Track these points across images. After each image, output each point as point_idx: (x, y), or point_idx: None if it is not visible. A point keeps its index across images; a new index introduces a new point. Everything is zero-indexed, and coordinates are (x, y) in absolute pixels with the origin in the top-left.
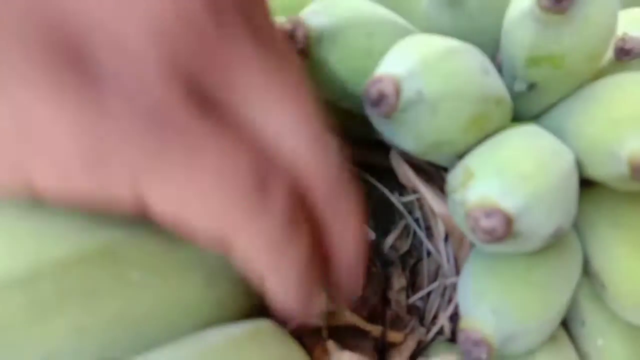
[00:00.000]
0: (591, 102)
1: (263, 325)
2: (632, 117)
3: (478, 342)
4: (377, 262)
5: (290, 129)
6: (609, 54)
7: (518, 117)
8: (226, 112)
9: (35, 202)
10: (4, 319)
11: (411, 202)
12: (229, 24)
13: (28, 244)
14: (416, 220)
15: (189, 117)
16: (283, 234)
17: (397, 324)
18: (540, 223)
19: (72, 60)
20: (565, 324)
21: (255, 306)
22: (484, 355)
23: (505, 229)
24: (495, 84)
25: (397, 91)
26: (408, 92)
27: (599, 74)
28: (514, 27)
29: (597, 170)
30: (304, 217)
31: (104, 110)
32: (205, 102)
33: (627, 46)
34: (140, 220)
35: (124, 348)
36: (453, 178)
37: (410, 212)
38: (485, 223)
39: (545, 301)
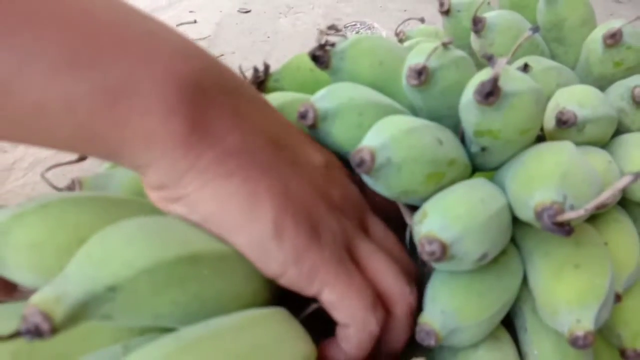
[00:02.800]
0: (520, 163)
1: (278, 311)
2: (541, 176)
3: (429, 333)
4: None
5: (388, 272)
6: (552, 123)
7: (481, 169)
8: (361, 263)
9: (156, 219)
10: (133, 291)
11: None
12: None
13: (154, 246)
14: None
15: (348, 262)
16: (376, 332)
17: None
18: (468, 250)
19: (314, 228)
20: (513, 329)
21: (277, 298)
22: (432, 343)
23: (442, 253)
24: (448, 151)
25: (373, 158)
26: (380, 158)
27: (549, 137)
28: (464, 109)
29: (520, 214)
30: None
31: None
32: (352, 256)
33: (564, 118)
34: (212, 242)
35: (194, 317)
36: (416, 216)
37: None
38: (428, 248)
39: (481, 306)
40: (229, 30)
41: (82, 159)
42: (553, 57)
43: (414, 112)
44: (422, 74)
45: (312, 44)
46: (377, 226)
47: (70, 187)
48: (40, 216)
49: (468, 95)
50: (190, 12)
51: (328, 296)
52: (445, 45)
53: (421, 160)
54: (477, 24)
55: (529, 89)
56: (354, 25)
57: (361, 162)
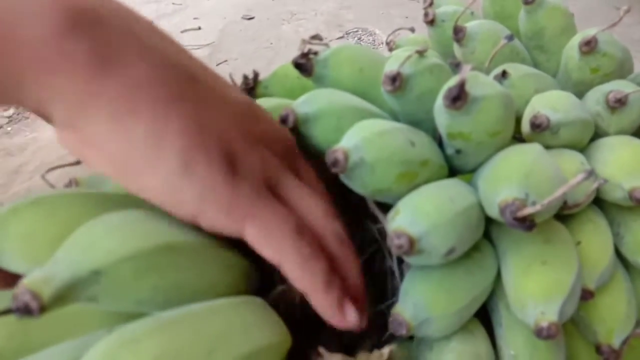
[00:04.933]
0: (491, 164)
1: (253, 299)
2: (506, 176)
3: (401, 323)
4: None
5: (314, 207)
6: (527, 127)
7: (460, 171)
8: (284, 198)
9: (149, 212)
10: (116, 276)
11: (381, 230)
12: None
13: (135, 236)
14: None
15: (270, 196)
16: (312, 253)
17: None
18: (436, 244)
19: (231, 162)
20: (490, 324)
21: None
22: (404, 332)
23: (410, 246)
24: (421, 152)
25: (346, 158)
26: (354, 158)
27: (527, 140)
28: (437, 113)
29: (489, 212)
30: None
31: (239, 185)
32: (274, 192)
33: (537, 122)
34: (194, 229)
35: (173, 304)
36: (390, 213)
37: (382, 239)
38: (397, 242)
39: (451, 299)
40: (233, 36)
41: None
42: (535, 64)
43: (394, 116)
44: (396, 80)
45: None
46: (308, 173)
47: (68, 187)
48: (33, 210)
49: (439, 100)
50: (195, 18)
51: (251, 230)
52: (420, 53)
53: (393, 160)
54: (458, 33)
55: (496, 93)
56: (356, 31)
57: (335, 162)
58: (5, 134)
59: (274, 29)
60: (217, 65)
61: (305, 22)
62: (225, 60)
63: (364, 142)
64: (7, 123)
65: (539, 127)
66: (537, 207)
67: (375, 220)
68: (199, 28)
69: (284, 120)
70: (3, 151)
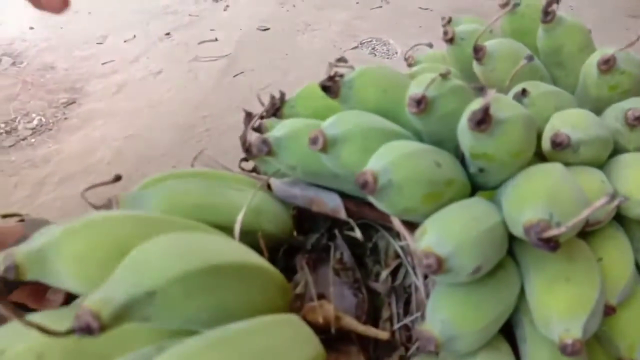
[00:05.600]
0: (514, 183)
1: (290, 317)
2: (530, 196)
3: (430, 339)
4: (364, 292)
5: None
6: (548, 145)
7: (482, 188)
8: None
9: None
10: (168, 296)
11: (405, 247)
12: None
13: (185, 259)
14: (408, 262)
15: None
16: None
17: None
18: (462, 264)
19: None
20: (515, 340)
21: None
22: (432, 348)
23: (438, 266)
24: (446, 172)
25: (375, 180)
26: (382, 180)
27: (548, 157)
28: (460, 134)
29: (514, 230)
30: None
31: None
32: None
33: (558, 140)
34: (238, 250)
35: (218, 321)
36: (417, 232)
37: (405, 255)
38: (426, 262)
39: (478, 316)
40: (249, 48)
41: (117, 178)
42: (554, 79)
43: (418, 135)
44: (421, 103)
45: (329, 61)
46: None
47: (107, 205)
48: (86, 231)
49: (463, 122)
50: (211, 30)
51: None
52: (443, 76)
53: (419, 181)
54: (478, 52)
55: (519, 116)
56: (370, 41)
57: (365, 184)
58: (29, 145)
59: (288, 39)
60: (234, 76)
61: (319, 32)
62: (242, 72)
63: (392, 165)
64: (31, 135)
65: (560, 146)
66: (562, 229)
67: (398, 235)
68: (216, 39)
69: (314, 142)
70: (28, 162)
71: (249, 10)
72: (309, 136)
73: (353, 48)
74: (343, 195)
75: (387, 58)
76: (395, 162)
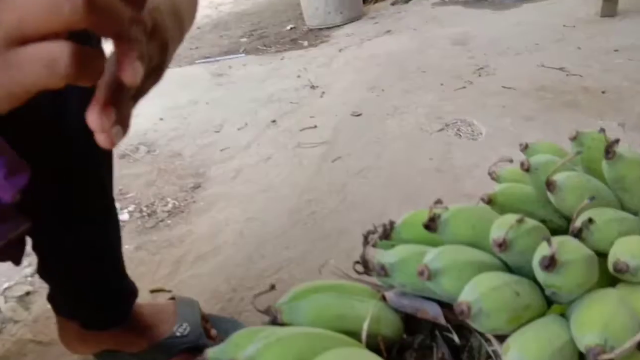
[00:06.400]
0: (580, 305)
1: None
2: (588, 323)
3: None
4: None
5: None
6: (610, 267)
7: (557, 303)
8: None
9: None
10: None
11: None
12: None
13: None
14: None
15: None
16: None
17: None
18: None
19: None
20: None
21: None
22: None
23: None
24: (524, 300)
25: (469, 309)
26: (475, 309)
27: (614, 275)
28: (535, 268)
29: (579, 348)
30: None
31: None
32: None
33: (618, 267)
34: None
35: None
36: (503, 347)
37: (496, 357)
38: None
39: None
40: (344, 133)
41: (272, 287)
42: (620, 201)
43: (502, 262)
44: (502, 245)
45: (416, 143)
46: None
47: (268, 311)
48: (276, 349)
49: (535, 261)
50: (311, 117)
51: None
52: (519, 222)
53: (503, 309)
54: (550, 186)
55: (581, 257)
56: (455, 122)
57: (461, 312)
58: (166, 226)
59: (379, 123)
60: (332, 161)
61: (407, 115)
62: (340, 157)
63: (482, 296)
64: (167, 217)
65: (620, 272)
66: (616, 352)
67: (486, 338)
68: (315, 126)
69: (421, 273)
70: (166, 242)
71: (342, 96)
72: (417, 269)
73: (439, 130)
74: (442, 304)
75: (472, 139)
76: (484, 294)
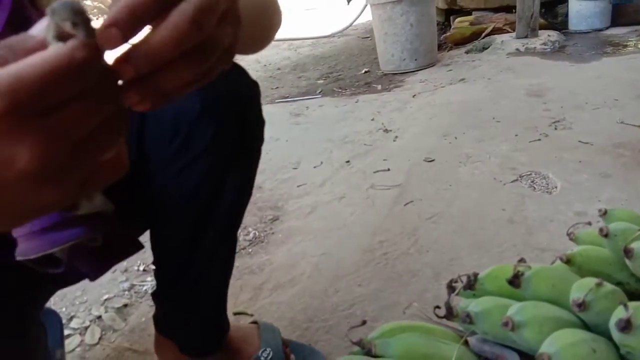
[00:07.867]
0: None
1: None
2: None
3: None
4: None
5: None
6: None
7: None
8: None
9: None
10: None
11: None
12: None
13: None
14: None
15: None
16: None
17: None
18: None
19: None
20: None
21: None
22: None
23: None
24: (602, 356)
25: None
26: None
27: None
28: (611, 328)
29: None
30: None
31: None
32: None
33: None
34: None
35: None
36: None
37: None
38: None
39: None
40: (417, 178)
41: (363, 323)
42: None
43: (580, 319)
44: (581, 306)
45: (489, 193)
46: None
47: (359, 343)
48: None
49: (612, 322)
50: (384, 160)
51: None
52: (598, 285)
53: None
54: (628, 253)
55: None
56: (529, 174)
57: None
58: (247, 254)
59: (452, 170)
60: (404, 205)
61: (480, 164)
62: (412, 201)
63: (561, 350)
64: (249, 245)
65: None
66: None
67: None
68: (388, 169)
69: (505, 324)
70: (247, 269)
71: (415, 141)
72: (502, 320)
73: (513, 181)
74: (521, 354)
75: (547, 192)
76: (563, 348)
